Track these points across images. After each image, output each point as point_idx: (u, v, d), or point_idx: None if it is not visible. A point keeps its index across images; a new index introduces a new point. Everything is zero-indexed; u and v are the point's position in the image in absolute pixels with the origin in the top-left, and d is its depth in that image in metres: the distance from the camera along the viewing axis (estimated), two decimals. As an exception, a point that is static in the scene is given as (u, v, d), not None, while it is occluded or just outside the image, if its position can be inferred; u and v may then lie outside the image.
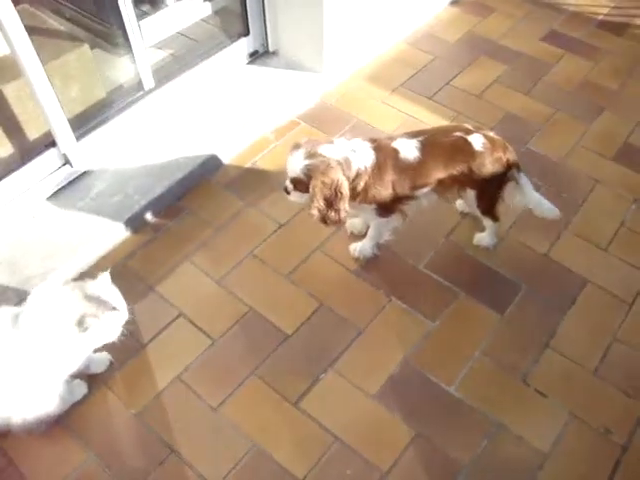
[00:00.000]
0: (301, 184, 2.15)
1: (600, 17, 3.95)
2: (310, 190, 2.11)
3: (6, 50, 2.67)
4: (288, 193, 2.24)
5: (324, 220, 2.19)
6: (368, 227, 2.52)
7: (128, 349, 2.23)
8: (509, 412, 2.13)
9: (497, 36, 3.72)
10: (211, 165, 2.86)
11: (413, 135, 2.27)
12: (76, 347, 1.96)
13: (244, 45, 3.24)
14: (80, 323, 1.85)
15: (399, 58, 3.53)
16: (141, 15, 2.82)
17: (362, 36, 3.34)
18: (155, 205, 2.69)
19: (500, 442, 2.06)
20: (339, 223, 2.23)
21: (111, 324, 1.96)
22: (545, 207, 2.43)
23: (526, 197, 2.43)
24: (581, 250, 2.62)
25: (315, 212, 2.15)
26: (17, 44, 2.30)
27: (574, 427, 2.10)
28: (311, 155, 2.11)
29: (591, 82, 3.45)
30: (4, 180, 2.58)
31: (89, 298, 1.94)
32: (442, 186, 2.32)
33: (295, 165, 2.12)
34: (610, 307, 2.43)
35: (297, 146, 2.17)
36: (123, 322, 2.00)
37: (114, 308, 1.97)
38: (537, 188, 2.67)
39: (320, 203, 2.12)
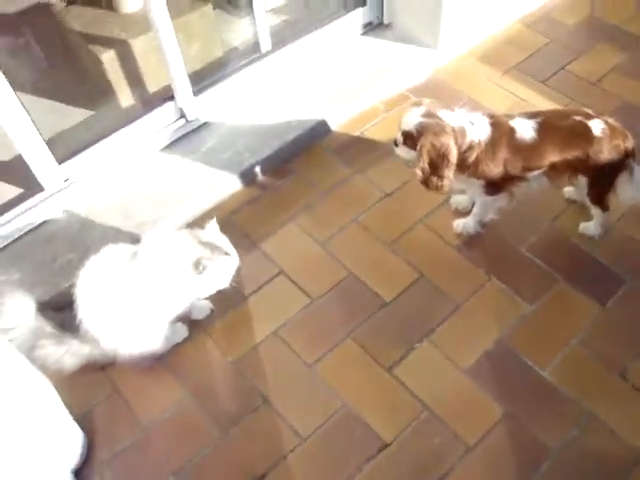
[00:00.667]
0: (411, 140, 2.16)
1: None
2: (417, 148, 2.12)
3: (137, 6, 2.81)
4: (396, 145, 2.26)
5: (426, 183, 2.20)
6: (473, 205, 2.51)
7: (229, 300, 2.33)
8: (603, 404, 2.09)
9: (620, 20, 3.56)
10: (320, 130, 2.91)
11: (531, 115, 2.24)
12: (191, 289, 2.06)
13: (359, 15, 3.25)
14: (197, 265, 1.95)
15: (514, 39, 3.46)
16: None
17: (478, 14, 3.28)
18: (264, 164, 2.76)
19: (591, 433, 2.03)
20: (440, 190, 2.22)
21: (225, 268, 2.05)
22: (635, 182, 2.34)
23: (636, 188, 2.36)
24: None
25: (419, 172, 2.17)
26: (153, -2, 2.39)
27: (672, 428, 2.05)
28: (429, 115, 2.12)
29: None
30: (123, 129, 2.70)
31: (204, 243, 2.04)
32: (555, 170, 2.28)
33: (410, 119, 2.14)
34: None
35: (418, 103, 2.18)
36: (235, 268, 2.10)
37: (227, 253, 2.06)
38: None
39: (425, 164, 2.13)
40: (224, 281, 2.09)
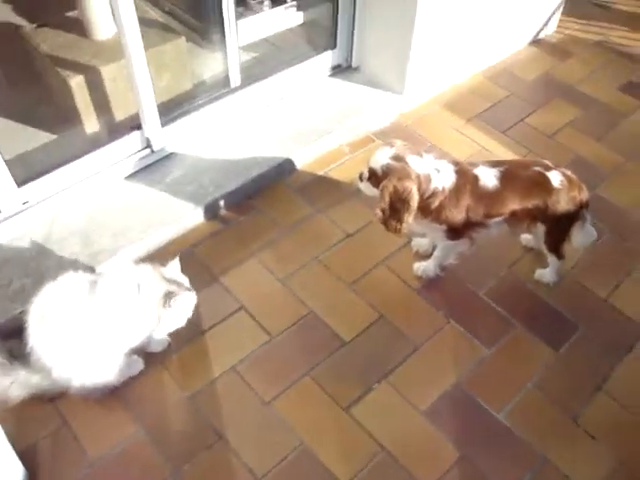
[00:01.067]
0: (376, 178, 2.19)
1: (681, 74, 3.95)
2: (380, 188, 2.16)
3: (109, 33, 2.81)
4: (361, 180, 2.29)
5: (385, 223, 2.23)
6: (434, 248, 2.56)
7: (187, 333, 2.28)
8: (556, 449, 2.12)
9: (574, 81, 3.74)
10: (285, 168, 2.93)
11: (494, 164, 2.32)
12: (151, 323, 2.02)
13: (329, 58, 3.32)
14: (167, 299, 1.93)
15: (476, 90, 3.58)
16: (238, 16, 2.91)
17: (443, 64, 3.40)
18: (227, 199, 2.76)
19: (544, 478, 2.05)
20: (398, 233, 2.25)
21: (187, 305, 2.03)
22: (586, 230, 2.46)
23: (587, 235, 2.47)
24: (641, 299, 2.62)
25: (379, 212, 2.20)
26: (127, 27, 2.40)
27: (622, 476, 2.08)
28: (397, 158, 2.16)
29: (664, 137, 3.45)
30: (87, 156, 2.67)
31: (168, 280, 2.02)
32: (515, 218, 2.35)
33: (378, 159, 2.18)
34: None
35: (391, 144, 2.22)
36: (193, 306, 2.08)
37: (189, 289, 2.05)
38: (600, 233, 2.69)
39: (386, 205, 2.16)
40: (183, 318, 2.08)
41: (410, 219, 2.19)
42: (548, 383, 2.29)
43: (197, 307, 2.34)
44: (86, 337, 1.98)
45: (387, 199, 2.14)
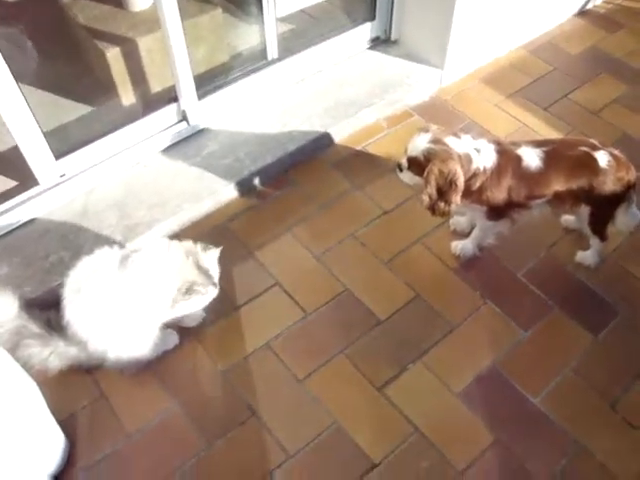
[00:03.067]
0: (417, 166, 2.15)
1: None
2: (425, 174, 2.12)
3: (146, 5, 2.78)
4: (401, 170, 2.25)
5: (432, 208, 2.19)
6: (472, 227, 2.51)
7: (222, 308, 2.31)
8: (593, 436, 2.08)
9: (623, 54, 3.60)
10: (322, 142, 2.90)
11: (538, 144, 2.25)
12: (170, 307, 2.03)
13: (367, 30, 3.25)
14: (189, 290, 1.93)
15: (518, 64, 3.48)
16: (275, -14, 2.87)
17: (484, 37, 3.30)
18: (264, 173, 2.74)
19: (580, 465, 2.02)
20: (447, 215, 2.23)
21: (206, 299, 2.04)
22: (631, 213, 2.39)
23: (632, 217, 2.40)
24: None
25: (426, 198, 2.16)
26: (164, -3, 2.37)
27: (661, 464, 2.04)
28: (436, 141, 2.11)
29: None
30: (125, 128, 2.66)
31: (200, 268, 2.01)
32: (558, 199, 2.29)
33: (418, 145, 2.13)
34: None
35: (425, 129, 2.18)
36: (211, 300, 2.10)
37: (215, 284, 2.04)
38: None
39: (433, 190, 2.12)
40: (196, 309, 2.07)
41: (458, 199, 2.14)
42: (586, 369, 2.25)
43: (232, 282, 2.35)
44: (120, 311, 1.99)
45: (433, 183, 2.11)
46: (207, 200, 2.62)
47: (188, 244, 2.04)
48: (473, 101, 3.23)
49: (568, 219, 2.63)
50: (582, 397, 2.18)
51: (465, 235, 2.55)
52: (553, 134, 3.03)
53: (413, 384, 2.18)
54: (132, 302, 1.99)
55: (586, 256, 2.54)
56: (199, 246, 2.04)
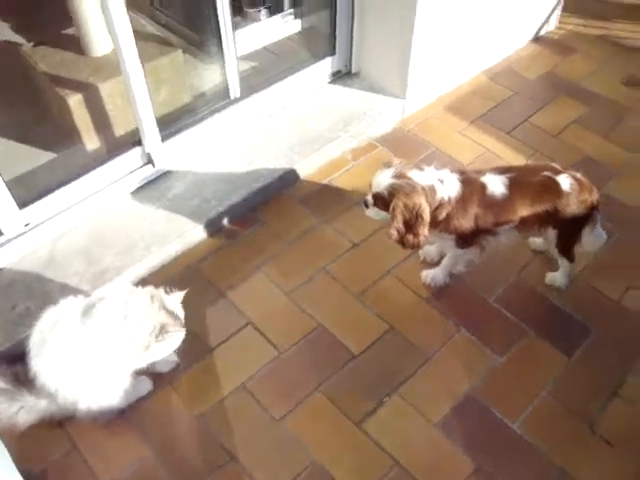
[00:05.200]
0: (382, 201, 2.17)
1: (683, 64, 3.90)
2: (390, 209, 2.13)
3: (107, 49, 2.78)
4: (367, 207, 2.26)
5: (402, 242, 2.20)
6: (442, 255, 2.52)
7: (195, 352, 2.28)
8: (573, 458, 2.08)
9: (578, 77, 3.69)
10: (288, 179, 2.90)
11: (501, 171, 2.28)
12: (140, 353, 1.99)
13: (328, 64, 3.29)
14: (162, 332, 1.91)
15: (478, 90, 3.54)
16: (235, 26, 2.89)
17: (444, 65, 3.36)
18: (231, 212, 2.73)
19: (563, 490, 2.02)
20: (417, 247, 2.24)
21: (177, 341, 2.01)
22: (597, 233, 2.44)
23: (597, 237, 2.45)
24: (654, 300, 2.57)
25: (394, 232, 2.17)
26: (123, 42, 2.38)
27: (642, 482, 2.05)
28: (399, 175, 2.14)
29: (671, 128, 3.40)
30: (89, 174, 2.64)
31: (167, 311, 1.99)
32: (525, 224, 2.32)
33: (381, 181, 2.15)
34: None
35: (388, 164, 2.20)
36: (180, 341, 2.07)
37: (182, 326, 2.02)
38: (611, 233, 2.66)
39: (400, 224, 2.14)
40: (168, 352, 2.05)
41: (426, 231, 2.16)
42: (562, 390, 2.25)
43: (205, 324, 2.33)
44: (87, 361, 1.95)
45: (400, 217, 2.12)
46: (175, 243, 2.60)
47: (151, 289, 2.03)
48: (437, 129, 3.27)
49: (536, 241, 2.66)
50: (560, 420, 2.18)
51: (435, 264, 2.56)
52: (517, 158, 3.07)
53: (391, 417, 2.17)
54: (99, 351, 1.95)
55: (556, 277, 2.56)
56: (162, 290, 2.03)
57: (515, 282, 2.59)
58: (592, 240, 2.44)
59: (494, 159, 3.06)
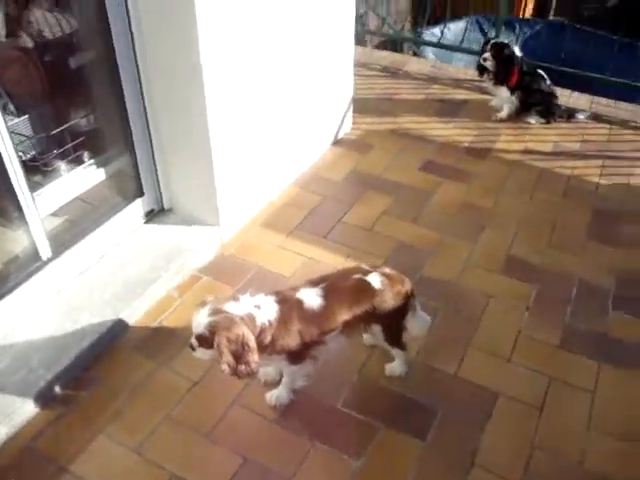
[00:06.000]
0: (206, 341, 2.18)
1: (466, 144, 4.36)
2: (215, 346, 2.15)
3: None
4: (194, 349, 2.26)
5: (236, 374, 2.20)
6: (282, 374, 2.54)
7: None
8: None
9: (379, 170, 4.00)
10: (117, 329, 2.83)
11: (315, 283, 2.38)
12: None
13: (139, 206, 3.31)
14: None
15: (291, 201, 3.71)
16: (34, 187, 2.85)
17: (253, 184, 3.50)
18: (62, 378, 2.60)
19: None
20: (252, 375, 2.25)
21: None
22: (419, 317, 2.60)
23: (421, 320, 2.61)
24: (487, 364, 2.74)
25: (225, 367, 2.17)
26: None
27: None
28: (215, 312, 2.16)
29: (469, 203, 3.75)
30: None
31: None
32: (349, 327, 2.42)
33: (199, 322, 2.17)
34: (523, 415, 2.54)
35: (203, 304, 2.22)
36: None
37: None
38: (435, 311, 2.84)
39: (229, 358, 2.15)
40: None
41: (256, 357, 2.18)
42: (424, 476, 2.32)
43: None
44: None
45: (226, 352, 2.13)
46: (2, 426, 2.41)
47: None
48: (257, 248, 3.35)
49: (369, 337, 2.76)
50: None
51: (277, 383, 2.57)
52: (336, 259, 3.22)
53: None
54: None
55: (394, 367, 2.66)
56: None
57: (358, 381, 2.66)
58: (417, 325, 2.59)
59: (316, 265, 3.18)
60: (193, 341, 2.23)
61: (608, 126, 4.69)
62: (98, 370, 2.70)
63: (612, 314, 3.01)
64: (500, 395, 2.61)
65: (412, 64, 5.61)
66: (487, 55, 4.57)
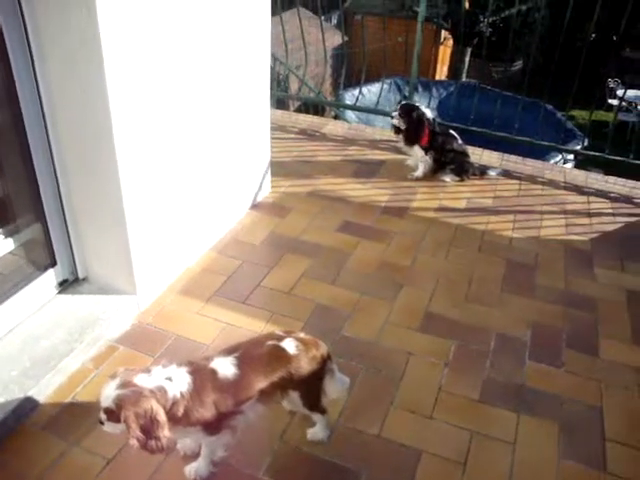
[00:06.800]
0: (113, 415, 2.11)
1: (383, 204, 4.48)
2: (122, 420, 2.08)
3: None
4: (102, 424, 2.18)
5: (146, 449, 2.13)
6: (200, 446, 2.48)
7: None
8: None
9: (297, 233, 4.04)
10: (25, 408, 2.68)
11: (229, 352, 2.36)
12: None
13: (52, 276, 3.21)
14: None
15: (209, 267, 3.68)
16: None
17: (170, 250, 3.47)
18: (-37, 466, 2.45)
19: None
20: (163, 450, 2.17)
21: None
22: (338, 380, 2.59)
23: (339, 383, 2.60)
24: (409, 423, 2.75)
25: (134, 442, 2.10)
26: None
27: None
28: (124, 385, 2.10)
29: (387, 262, 3.83)
30: None
31: None
32: (265, 395, 2.38)
33: (107, 395, 2.10)
34: (447, 472, 2.55)
35: (113, 376, 2.16)
36: None
37: None
38: (356, 372, 2.85)
39: (137, 433, 2.09)
40: None
41: (166, 432, 2.12)
42: None
43: None
44: None
45: (134, 426, 2.07)
46: None
47: None
48: (175, 316, 3.30)
49: (288, 403, 2.73)
50: None
51: (197, 454, 2.50)
52: (255, 324, 3.20)
53: None
54: None
55: (316, 432, 2.64)
56: None
57: (280, 448, 2.62)
58: (335, 388, 2.59)
59: (235, 331, 3.15)
60: (102, 415, 2.15)
61: (518, 182, 4.95)
62: (4, 454, 2.54)
63: (529, 364, 3.10)
64: (423, 453, 2.61)
65: (330, 126, 5.79)
66: (395, 114, 4.77)
